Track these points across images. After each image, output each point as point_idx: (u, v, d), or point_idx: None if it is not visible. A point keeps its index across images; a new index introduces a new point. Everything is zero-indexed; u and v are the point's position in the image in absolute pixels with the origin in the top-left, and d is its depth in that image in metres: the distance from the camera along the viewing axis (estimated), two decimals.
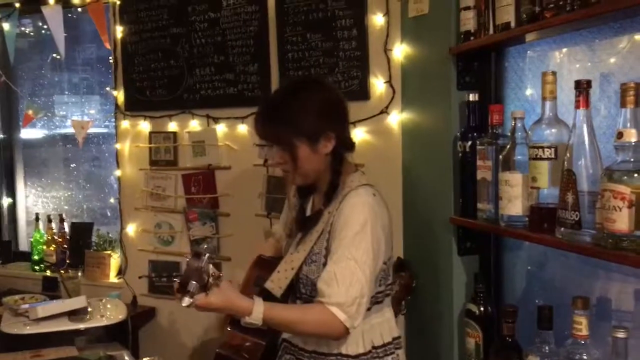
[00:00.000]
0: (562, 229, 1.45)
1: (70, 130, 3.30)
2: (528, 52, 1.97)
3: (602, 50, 1.69)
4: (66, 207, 3.77)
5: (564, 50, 1.83)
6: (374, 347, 1.80)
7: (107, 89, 3.25)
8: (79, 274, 3.13)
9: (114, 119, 3.17)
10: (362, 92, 2.46)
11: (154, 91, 3.00)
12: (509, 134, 1.73)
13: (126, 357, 2.22)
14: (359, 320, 1.68)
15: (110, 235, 3.33)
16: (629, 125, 1.31)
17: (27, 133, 3.85)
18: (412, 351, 2.35)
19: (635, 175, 1.28)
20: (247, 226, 2.76)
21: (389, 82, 2.42)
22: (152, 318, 3.07)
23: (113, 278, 3.22)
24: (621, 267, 1.57)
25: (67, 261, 3.30)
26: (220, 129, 2.85)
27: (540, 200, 1.58)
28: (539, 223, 1.57)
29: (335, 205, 1.77)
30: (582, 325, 1.48)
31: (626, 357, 1.41)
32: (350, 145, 1.85)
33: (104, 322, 2.32)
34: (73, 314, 2.30)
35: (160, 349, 2.83)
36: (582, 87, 1.44)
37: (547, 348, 1.59)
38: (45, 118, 3.74)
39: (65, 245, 3.36)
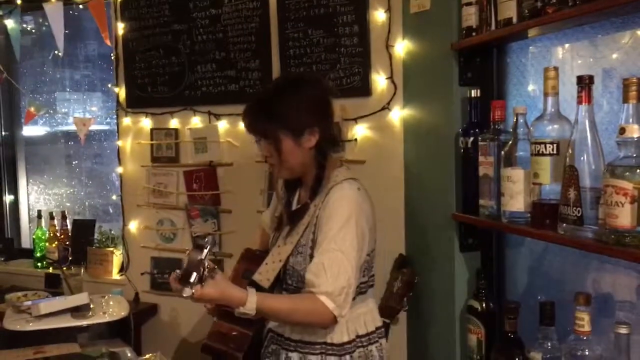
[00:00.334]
0: (564, 225, 1.45)
1: (72, 127, 3.30)
2: (530, 47, 1.96)
3: (604, 46, 1.68)
4: (68, 204, 3.77)
5: (566, 45, 1.82)
6: (358, 336, 1.86)
7: (109, 85, 3.25)
8: (82, 270, 3.13)
9: (115, 116, 3.18)
10: (364, 89, 2.46)
11: (156, 88, 3.00)
12: (511, 130, 1.72)
13: (128, 354, 2.23)
14: (346, 309, 1.74)
15: (112, 232, 3.34)
16: (631, 120, 1.31)
17: (29, 130, 3.86)
18: (414, 348, 2.35)
19: (638, 171, 1.27)
20: (248, 223, 2.76)
21: (391, 78, 2.42)
22: (154, 315, 3.08)
23: (115, 275, 3.23)
24: (623, 263, 1.56)
25: (70, 258, 3.30)
26: (222, 125, 2.85)
27: (542, 196, 1.57)
28: (541, 219, 1.57)
29: (321, 199, 1.83)
30: (584, 322, 1.48)
31: (628, 353, 1.41)
32: (334, 141, 1.94)
33: (106, 318, 2.32)
34: (75, 311, 2.30)
35: (163, 346, 2.83)
36: (584, 83, 1.43)
37: (549, 344, 1.59)
38: (47, 115, 3.73)
39: (67, 242, 3.37)
